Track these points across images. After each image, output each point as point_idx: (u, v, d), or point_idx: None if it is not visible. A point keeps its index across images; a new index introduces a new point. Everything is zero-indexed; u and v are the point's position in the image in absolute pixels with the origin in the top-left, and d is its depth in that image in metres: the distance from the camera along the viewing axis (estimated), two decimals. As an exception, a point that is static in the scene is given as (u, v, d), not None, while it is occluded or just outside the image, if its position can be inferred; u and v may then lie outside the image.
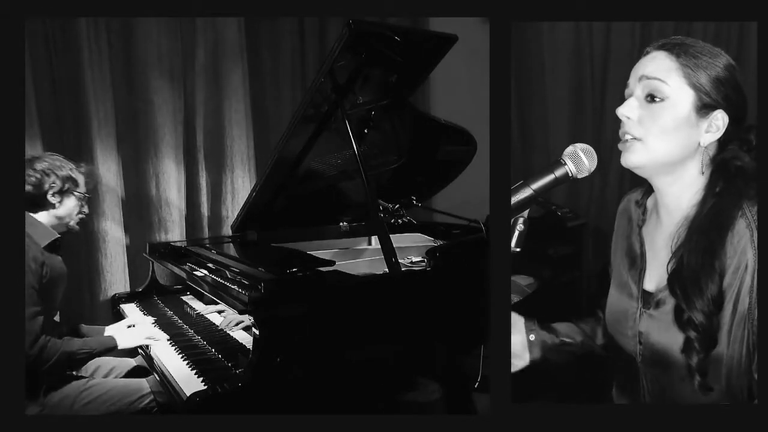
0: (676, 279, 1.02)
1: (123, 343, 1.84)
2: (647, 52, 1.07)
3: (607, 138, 3.21)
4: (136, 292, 2.44)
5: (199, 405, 1.40)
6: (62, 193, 1.86)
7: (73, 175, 1.89)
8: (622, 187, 3.09)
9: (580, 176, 1.04)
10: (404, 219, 2.32)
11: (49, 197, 1.83)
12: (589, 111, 3.32)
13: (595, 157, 1.05)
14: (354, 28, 1.69)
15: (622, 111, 1.05)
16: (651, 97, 1.02)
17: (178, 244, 2.45)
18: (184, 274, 1.99)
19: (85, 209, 1.99)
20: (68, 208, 1.89)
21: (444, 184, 2.66)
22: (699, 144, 1.03)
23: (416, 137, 2.40)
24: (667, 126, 1.01)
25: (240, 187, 2.97)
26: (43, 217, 1.85)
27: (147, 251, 2.39)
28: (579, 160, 1.04)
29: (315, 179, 2.35)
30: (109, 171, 2.63)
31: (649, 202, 1.19)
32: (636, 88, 1.05)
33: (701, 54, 1.02)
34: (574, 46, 3.31)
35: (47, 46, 2.49)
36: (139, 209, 2.76)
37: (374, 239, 2.58)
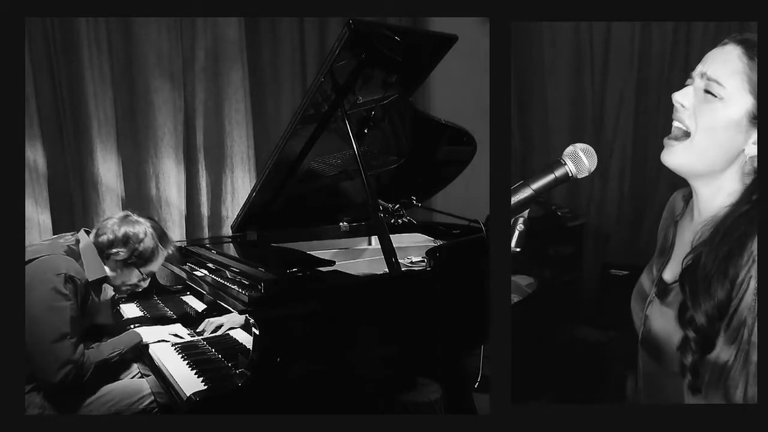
0: (688, 275, 1.01)
1: (147, 338, 1.84)
2: (724, 43, 1.03)
3: (607, 138, 3.22)
4: (136, 292, 2.43)
5: (199, 405, 1.40)
6: (126, 264, 1.79)
7: (153, 253, 1.78)
8: (622, 188, 3.09)
9: (580, 176, 1.04)
10: (404, 219, 2.32)
11: (109, 261, 1.78)
12: (589, 111, 3.32)
13: (595, 157, 1.05)
14: (354, 28, 1.69)
15: (677, 97, 1.03)
16: (709, 93, 1.01)
17: (178, 244, 2.44)
18: (184, 274, 1.99)
19: (143, 285, 1.90)
20: (124, 277, 1.82)
21: (444, 184, 2.66)
22: (743, 152, 1.01)
23: (416, 137, 2.40)
24: (716, 124, 0.99)
25: (240, 187, 2.97)
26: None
27: (147, 251, 2.38)
28: (579, 160, 1.04)
29: (315, 179, 2.35)
30: (109, 171, 2.63)
31: (694, 198, 1.19)
32: (697, 80, 1.03)
33: None
34: (574, 46, 3.31)
35: (47, 46, 2.49)
36: (139, 209, 2.75)
37: (374, 239, 2.58)
